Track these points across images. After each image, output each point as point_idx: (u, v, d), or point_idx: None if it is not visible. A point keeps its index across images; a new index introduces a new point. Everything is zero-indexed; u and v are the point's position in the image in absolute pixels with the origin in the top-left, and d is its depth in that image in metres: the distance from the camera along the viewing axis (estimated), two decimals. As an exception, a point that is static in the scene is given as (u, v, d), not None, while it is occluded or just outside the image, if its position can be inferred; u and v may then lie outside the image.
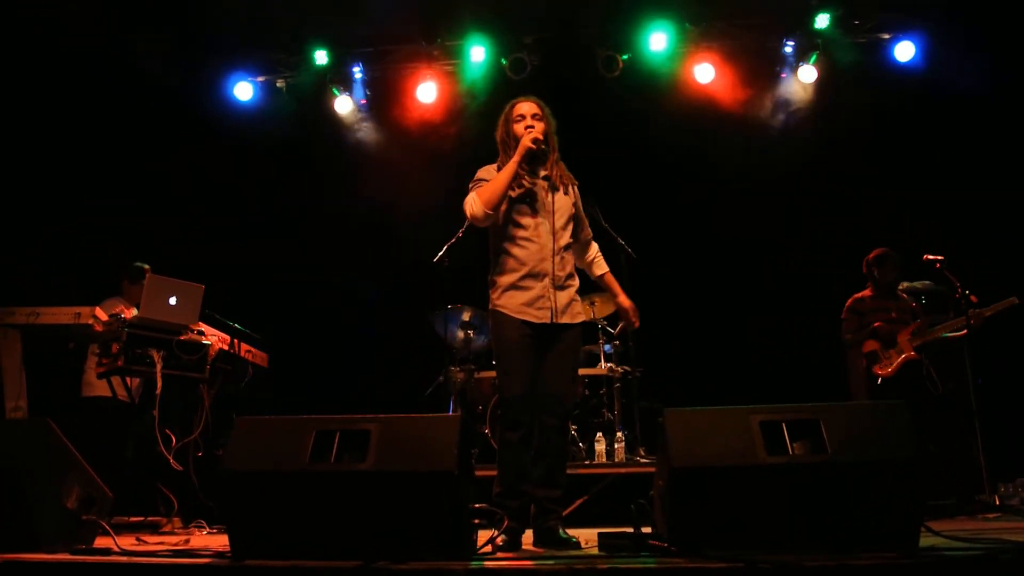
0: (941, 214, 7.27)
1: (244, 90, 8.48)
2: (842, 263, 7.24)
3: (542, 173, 4.03)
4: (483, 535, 3.48)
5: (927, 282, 6.33)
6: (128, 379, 5.52)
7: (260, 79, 8.52)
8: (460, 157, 7.61)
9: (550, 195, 3.99)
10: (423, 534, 3.07)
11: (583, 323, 4.05)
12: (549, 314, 3.88)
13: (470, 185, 4.09)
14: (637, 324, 4.17)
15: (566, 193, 4.06)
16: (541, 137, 3.95)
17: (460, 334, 7.25)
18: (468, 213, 3.98)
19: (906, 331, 6.05)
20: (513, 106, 4.12)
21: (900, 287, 6.35)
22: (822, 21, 7.80)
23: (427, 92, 8.38)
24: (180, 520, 5.20)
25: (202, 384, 5.34)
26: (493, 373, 6.81)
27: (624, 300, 4.21)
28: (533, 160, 3.99)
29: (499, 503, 3.79)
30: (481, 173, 4.12)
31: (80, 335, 5.31)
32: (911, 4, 7.71)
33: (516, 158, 3.91)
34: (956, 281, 5.73)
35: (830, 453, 3.07)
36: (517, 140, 3.98)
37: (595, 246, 4.33)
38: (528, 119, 4.02)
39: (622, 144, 8.05)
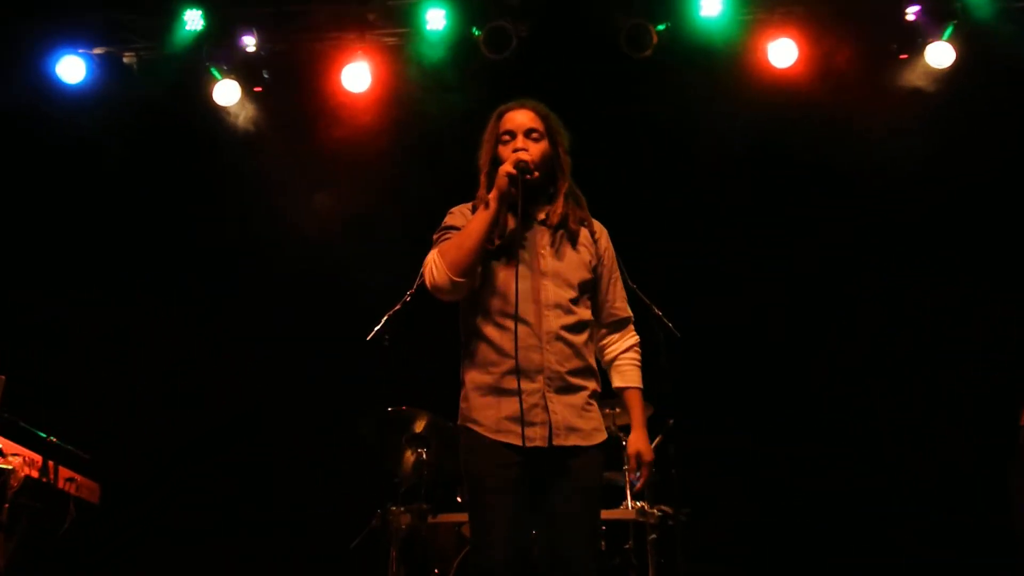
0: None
1: (73, 67, 6.72)
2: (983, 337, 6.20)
3: (539, 215, 3.21)
4: None
5: None
6: None
7: (97, 51, 6.78)
8: (408, 176, 6.67)
9: (548, 248, 3.26)
10: None
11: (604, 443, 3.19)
12: (546, 432, 3.03)
13: (434, 236, 3.37)
14: (641, 484, 3.36)
15: (575, 246, 3.23)
16: (529, 161, 3.18)
17: (408, 454, 5.74)
18: (428, 282, 3.25)
19: None
20: (500, 116, 3.40)
21: None
22: (963, -24, 6.40)
23: (357, 77, 6.82)
24: None
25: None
26: (458, 516, 5.61)
27: (637, 441, 3.30)
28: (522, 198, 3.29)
29: None
30: (451, 217, 3.43)
31: None
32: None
33: (493, 200, 3.15)
34: None
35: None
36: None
37: (631, 336, 3.41)
38: (520, 138, 3.25)
39: (656, 161, 6.85)
